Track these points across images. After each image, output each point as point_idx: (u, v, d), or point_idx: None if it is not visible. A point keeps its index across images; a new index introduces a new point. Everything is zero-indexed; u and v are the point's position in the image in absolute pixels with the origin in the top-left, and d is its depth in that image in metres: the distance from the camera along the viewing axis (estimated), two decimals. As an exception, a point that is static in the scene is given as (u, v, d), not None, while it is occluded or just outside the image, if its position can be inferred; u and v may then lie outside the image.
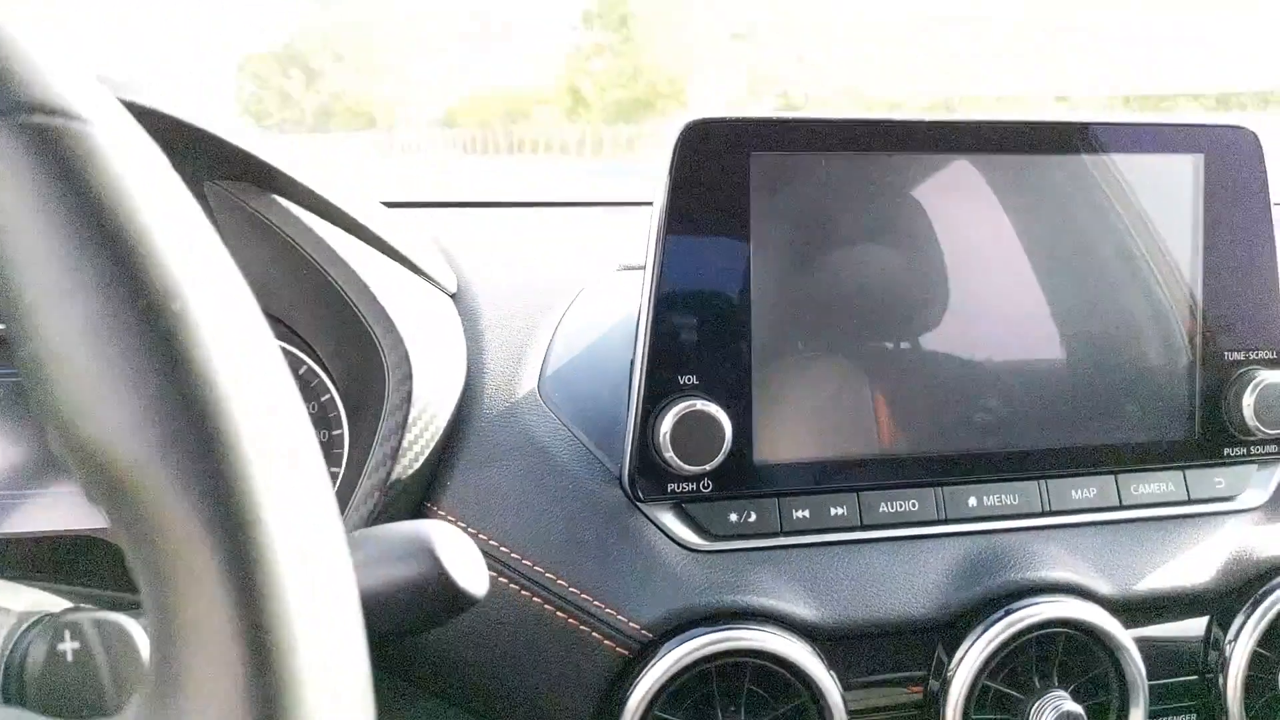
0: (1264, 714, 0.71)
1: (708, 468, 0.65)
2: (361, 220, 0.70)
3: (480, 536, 0.66)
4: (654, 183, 0.67)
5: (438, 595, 0.46)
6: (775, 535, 0.69)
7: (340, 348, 0.75)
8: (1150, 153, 0.73)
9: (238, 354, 0.30)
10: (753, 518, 0.68)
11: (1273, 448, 0.75)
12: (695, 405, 0.64)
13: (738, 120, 0.66)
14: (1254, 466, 0.76)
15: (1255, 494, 0.76)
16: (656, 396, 0.66)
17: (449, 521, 0.66)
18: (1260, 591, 0.71)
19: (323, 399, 0.80)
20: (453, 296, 0.78)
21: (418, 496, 0.68)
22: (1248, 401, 0.73)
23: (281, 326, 0.80)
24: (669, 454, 0.64)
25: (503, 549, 0.65)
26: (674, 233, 0.66)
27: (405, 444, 0.65)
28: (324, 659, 0.30)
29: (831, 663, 0.66)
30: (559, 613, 0.64)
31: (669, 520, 0.68)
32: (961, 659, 0.66)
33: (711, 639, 0.63)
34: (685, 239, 0.66)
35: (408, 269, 0.74)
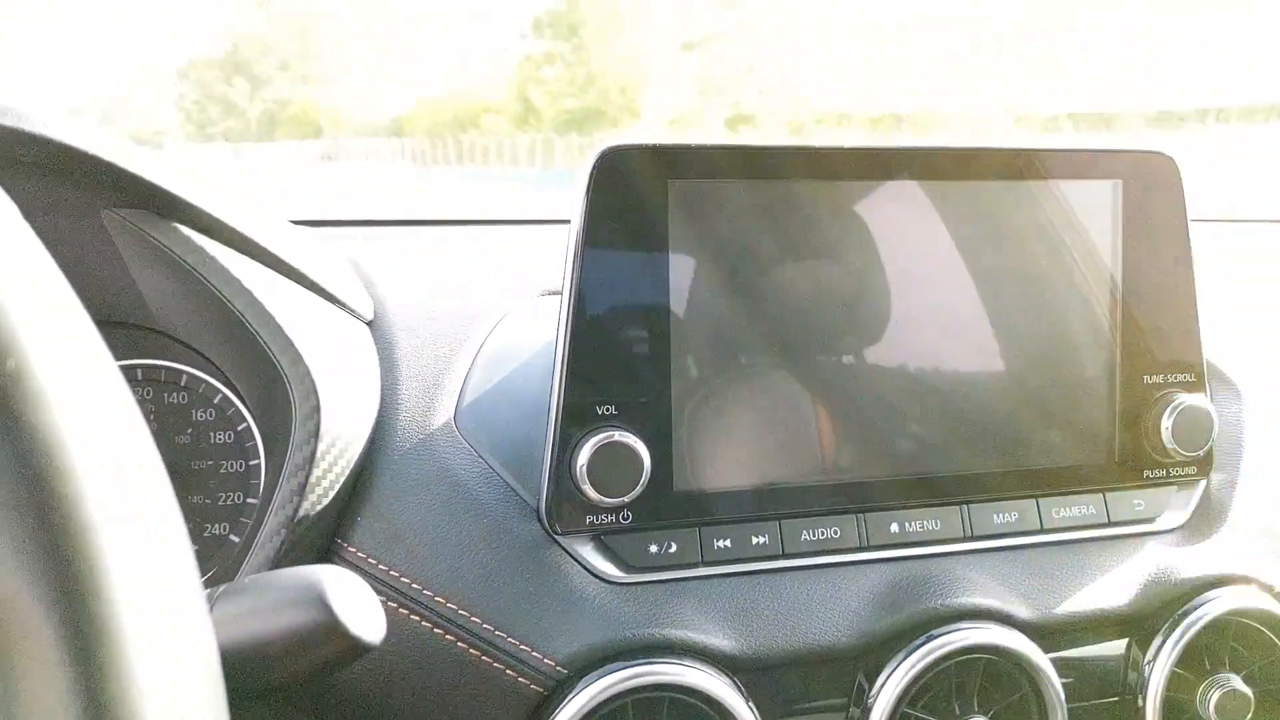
0: (1183, 735, 0.72)
1: (626, 499, 0.64)
2: (270, 247, 0.69)
3: (391, 573, 0.64)
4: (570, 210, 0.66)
5: (329, 643, 0.45)
6: (696, 565, 0.68)
7: (254, 377, 0.73)
8: (1071, 179, 0.73)
9: (82, 411, 0.28)
10: (673, 548, 0.67)
11: (1191, 469, 0.76)
12: (613, 436, 0.64)
13: (655, 147, 0.65)
14: (1173, 488, 0.77)
15: (1174, 515, 0.77)
16: (573, 427, 0.64)
17: (359, 558, 0.65)
18: (1179, 612, 0.71)
19: (239, 428, 0.78)
20: (369, 324, 0.76)
21: (327, 532, 0.66)
22: (1166, 424, 0.73)
23: (196, 355, 0.78)
24: (586, 486, 0.63)
25: (414, 586, 0.64)
26: (590, 261, 0.65)
27: (313, 479, 0.63)
28: None
29: (752, 694, 0.65)
30: (472, 650, 0.63)
31: (587, 553, 0.67)
32: (882, 687, 0.65)
33: (628, 674, 0.61)
34: (602, 267, 0.65)
35: (320, 296, 0.73)
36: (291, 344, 0.65)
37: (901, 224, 0.71)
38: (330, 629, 0.45)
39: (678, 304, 0.66)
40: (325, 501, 0.64)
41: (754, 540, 0.68)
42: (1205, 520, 0.77)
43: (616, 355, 0.65)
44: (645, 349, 0.66)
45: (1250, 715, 0.70)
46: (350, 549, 0.65)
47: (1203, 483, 0.78)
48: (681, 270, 0.66)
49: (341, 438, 0.66)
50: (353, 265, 0.82)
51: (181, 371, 0.77)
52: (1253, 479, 0.78)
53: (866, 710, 0.66)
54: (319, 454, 0.64)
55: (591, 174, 0.64)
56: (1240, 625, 0.72)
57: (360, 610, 0.45)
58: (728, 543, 0.68)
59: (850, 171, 0.69)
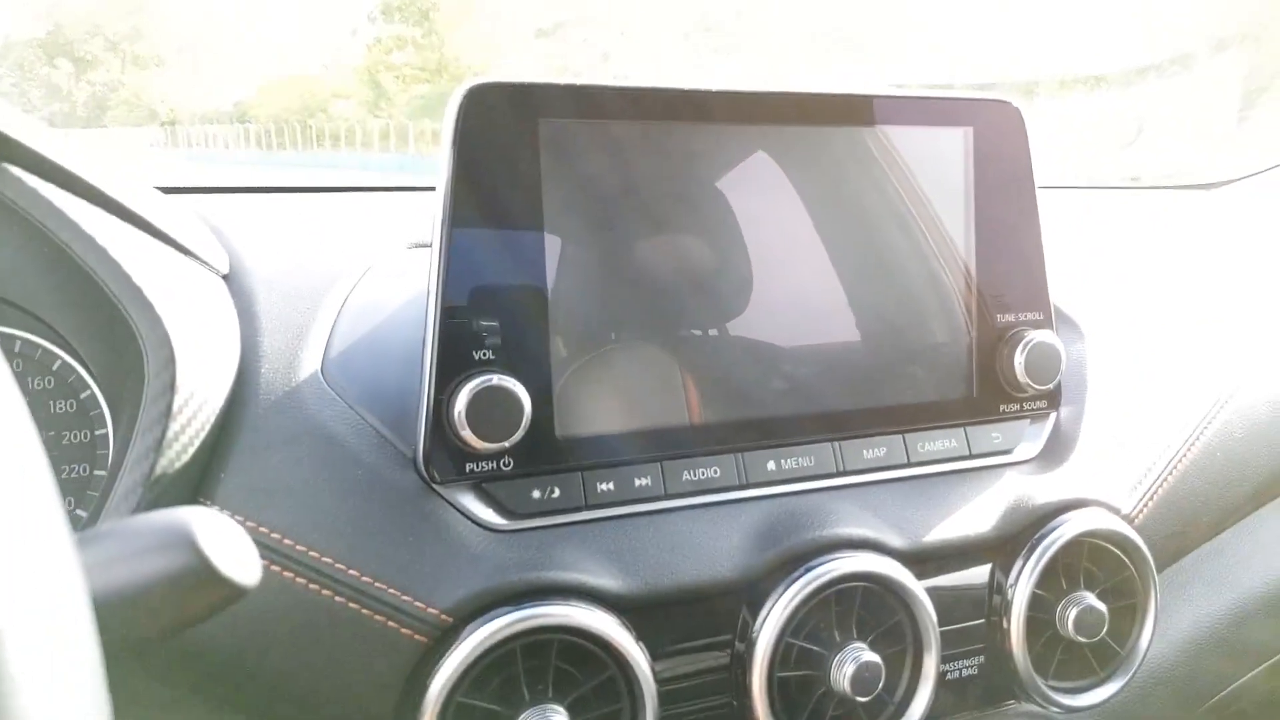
0: (1045, 650, 0.76)
1: (507, 445, 0.63)
2: (112, 193, 0.64)
3: (260, 530, 0.61)
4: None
5: (200, 587, 0.42)
6: (580, 509, 0.67)
7: (98, 337, 0.68)
8: (924, 125, 0.76)
9: None
10: (556, 493, 0.67)
11: (1042, 403, 0.80)
12: (491, 380, 0.62)
13: (524, 85, 0.64)
14: (1027, 421, 0.81)
15: (1029, 446, 0.81)
16: (450, 373, 0.63)
17: (224, 515, 0.61)
18: (1035, 536, 0.75)
19: (82, 396, 0.72)
20: (225, 278, 0.72)
21: (189, 491, 0.62)
22: (1019, 360, 0.77)
23: (30, 318, 0.72)
24: (465, 432, 0.62)
25: (286, 542, 0.61)
26: (461, 202, 0.63)
27: (170, 435, 0.59)
28: (47, 690, 0.26)
29: (640, 634, 0.65)
30: (351, 604, 0.61)
31: (468, 501, 0.65)
32: (765, 619, 0.66)
33: (514, 618, 0.60)
34: (474, 208, 0.63)
35: (171, 247, 0.68)
36: (141, 293, 0.61)
37: (774, 173, 0.72)
38: (201, 571, 0.42)
39: (553, 245, 0.65)
40: (185, 458, 0.61)
41: (637, 482, 0.68)
42: (1057, 450, 0.81)
43: (492, 298, 0.64)
44: (522, 291, 0.65)
45: (1105, 628, 0.74)
46: (214, 506, 0.62)
47: (1053, 415, 0.83)
48: (556, 211, 0.65)
49: (199, 391, 0.62)
50: (204, 220, 0.78)
51: (14, 337, 0.71)
52: (1096, 410, 0.83)
53: (751, 643, 0.66)
54: (175, 408, 0.60)
55: (458, 112, 0.63)
56: (1092, 545, 0.76)
57: (232, 549, 0.43)
58: (611, 485, 0.68)
59: (716, 114, 0.70)
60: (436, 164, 0.64)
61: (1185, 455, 0.84)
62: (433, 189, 0.64)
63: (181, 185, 1.03)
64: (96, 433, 0.72)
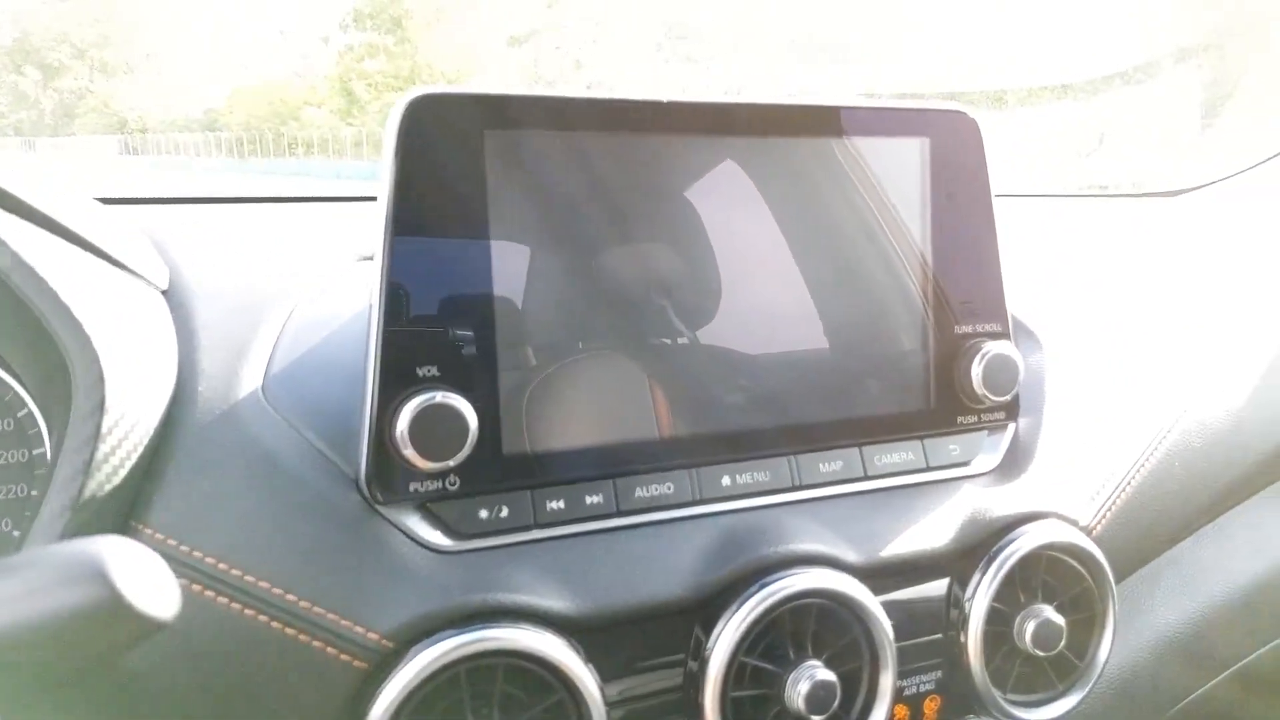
0: (1003, 665, 0.75)
1: (452, 463, 0.62)
2: (40, 206, 0.62)
3: (195, 554, 0.59)
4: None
5: (113, 621, 0.40)
6: (529, 529, 0.66)
7: (32, 355, 0.66)
8: (881, 136, 0.75)
9: None
10: (504, 513, 0.65)
11: (1000, 414, 0.80)
12: (435, 398, 0.61)
13: (468, 95, 0.63)
14: (985, 433, 0.80)
15: (986, 459, 0.80)
16: (392, 390, 0.61)
17: (157, 540, 0.59)
18: (993, 550, 0.74)
19: (19, 414, 0.70)
20: (164, 293, 0.70)
21: (119, 515, 0.60)
22: (976, 372, 0.76)
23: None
24: (409, 451, 0.60)
25: (221, 566, 0.59)
26: (404, 214, 0.61)
27: (99, 456, 0.58)
28: None
29: (590, 655, 0.63)
30: (288, 629, 0.59)
31: (413, 522, 0.64)
32: (718, 637, 0.65)
33: (458, 641, 0.59)
34: (417, 221, 0.62)
35: (105, 261, 0.66)
36: (68, 310, 0.59)
37: (718, 181, 0.72)
38: (112, 605, 0.40)
39: (500, 258, 0.64)
40: (115, 480, 0.59)
41: (588, 500, 0.67)
42: (1014, 462, 0.81)
43: (436, 313, 0.62)
44: (467, 305, 0.63)
45: (1064, 641, 0.74)
46: (147, 530, 0.60)
47: (1011, 426, 0.82)
48: (503, 223, 0.64)
49: (131, 411, 0.60)
50: (145, 233, 0.76)
51: None
52: (1054, 422, 0.83)
53: (704, 662, 0.65)
54: (105, 429, 0.58)
55: (400, 123, 0.61)
56: (1050, 558, 0.76)
57: (146, 581, 0.41)
58: (561, 503, 0.66)
59: (668, 125, 0.69)
60: (378, 175, 0.63)
61: (1143, 466, 0.84)
62: (371, 199, 0.63)
63: (126, 196, 1.01)
64: (34, 452, 0.70)
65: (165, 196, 1.02)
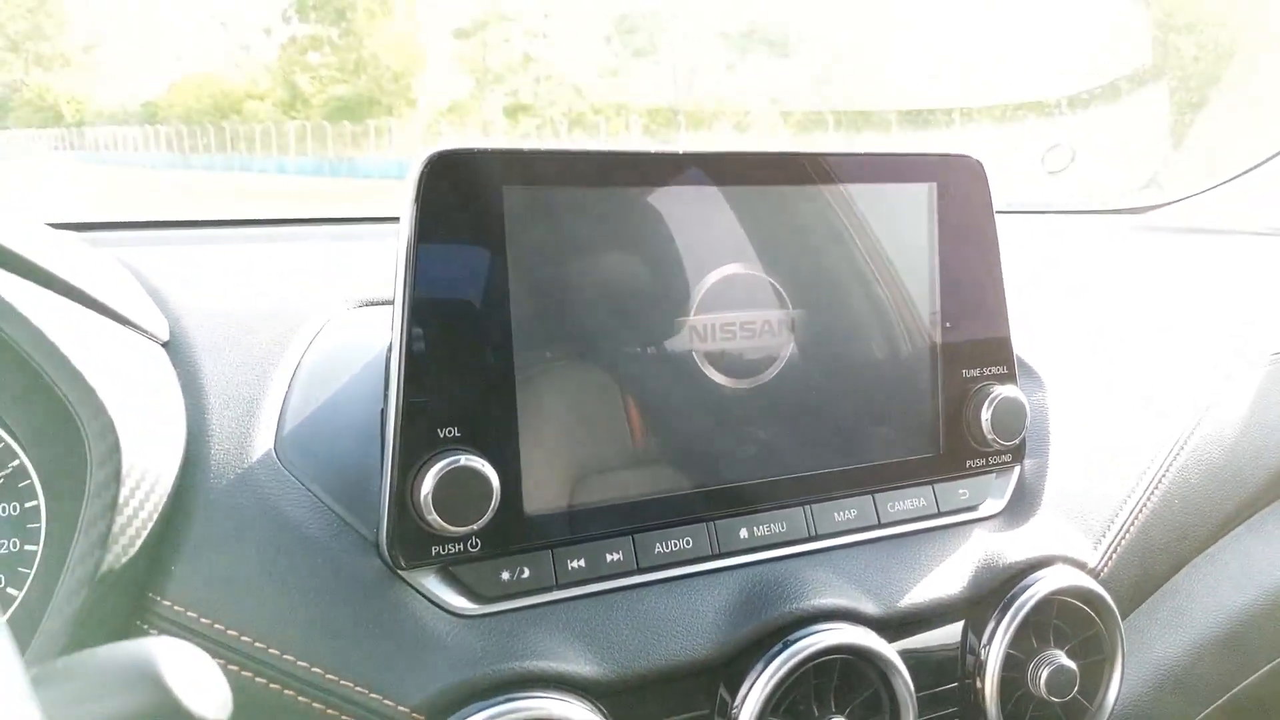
0: (1016, 710, 0.75)
1: (475, 526, 0.60)
2: (37, 260, 0.60)
3: (215, 627, 0.57)
4: (399, 218, 0.61)
5: (168, 725, 0.39)
6: (551, 589, 0.65)
7: (27, 407, 0.63)
8: (886, 182, 0.76)
9: None
10: (526, 573, 0.64)
11: (1007, 457, 0.80)
12: (459, 461, 0.59)
13: (487, 152, 0.62)
14: (992, 476, 0.81)
15: (994, 502, 0.81)
16: (414, 453, 0.60)
17: (175, 612, 0.58)
18: (1008, 597, 0.75)
19: (11, 465, 0.67)
20: (165, 345, 0.68)
21: (137, 586, 0.58)
22: (985, 416, 0.77)
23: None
24: (432, 516, 0.59)
25: (243, 639, 0.57)
26: (425, 275, 0.60)
27: (116, 528, 0.56)
28: None
29: (615, 715, 0.63)
30: (315, 704, 0.57)
31: (434, 586, 0.62)
32: (745, 697, 0.65)
33: (487, 715, 0.58)
34: (437, 282, 0.61)
35: (104, 315, 0.64)
36: (79, 375, 0.57)
37: (733, 231, 0.71)
38: (169, 711, 0.39)
39: (520, 317, 0.63)
40: (132, 552, 0.57)
41: (609, 557, 0.66)
42: (1022, 505, 0.81)
43: (458, 374, 0.61)
44: (488, 366, 0.62)
45: (1077, 688, 0.74)
46: (165, 603, 0.58)
47: (1017, 469, 0.83)
48: (522, 281, 0.63)
49: (146, 479, 0.58)
50: (136, 277, 0.73)
51: None
52: (1060, 463, 0.83)
53: None
54: (121, 500, 0.56)
55: (420, 181, 0.60)
56: (1061, 603, 0.76)
57: (202, 684, 0.40)
58: (582, 562, 0.65)
59: (686, 177, 0.68)
60: (397, 231, 0.61)
61: (1145, 505, 0.85)
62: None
63: (102, 221, 0.97)
64: (27, 505, 0.67)
65: (132, 221, 0.99)
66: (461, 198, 0.61)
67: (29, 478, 0.67)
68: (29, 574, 0.66)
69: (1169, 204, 1.51)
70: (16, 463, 0.67)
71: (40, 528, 0.67)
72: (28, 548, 0.67)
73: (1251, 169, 1.42)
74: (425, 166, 0.60)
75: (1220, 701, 0.94)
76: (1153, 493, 0.85)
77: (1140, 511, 0.84)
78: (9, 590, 0.66)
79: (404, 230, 0.60)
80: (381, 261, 0.83)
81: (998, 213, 0.80)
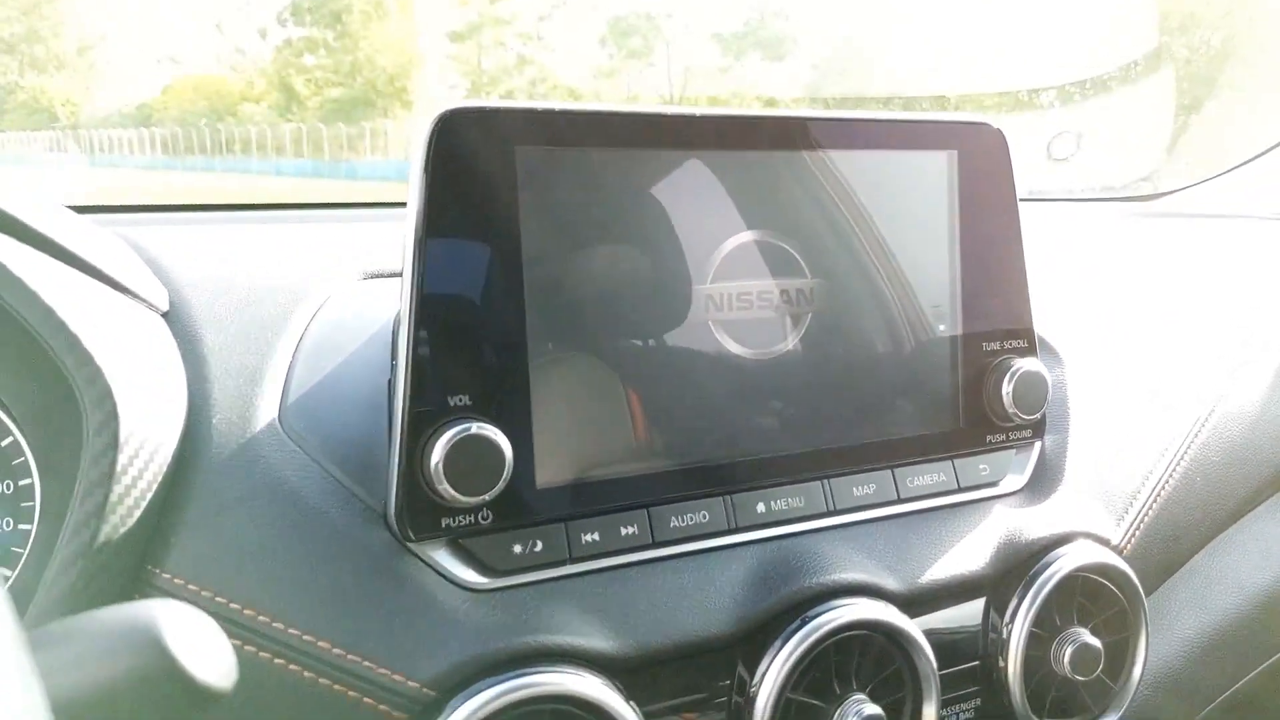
0: (1039, 689, 0.73)
1: (488, 497, 0.58)
2: (35, 225, 0.58)
3: (217, 599, 0.55)
4: (408, 180, 0.59)
5: (170, 693, 0.37)
6: (564, 563, 0.63)
7: (19, 379, 0.61)
8: (907, 149, 0.74)
9: None
10: (539, 547, 0.62)
11: (1027, 432, 0.78)
12: (470, 429, 0.57)
13: (499, 110, 0.60)
14: (1012, 452, 0.79)
15: (1015, 478, 0.79)
16: (423, 421, 0.58)
17: (176, 585, 0.55)
18: (1030, 574, 0.73)
19: (3, 443, 0.65)
20: (164, 315, 0.66)
21: (135, 558, 0.56)
22: (1006, 389, 0.75)
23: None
24: (443, 486, 0.57)
25: (246, 612, 0.55)
26: (435, 235, 0.58)
27: (114, 497, 0.53)
28: None
29: (632, 693, 0.61)
30: (322, 679, 0.55)
31: (445, 559, 0.60)
32: (764, 673, 0.63)
33: (501, 689, 0.56)
34: (448, 242, 0.58)
35: (106, 284, 0.62)
36: (77, 340, 0.55)
37: (750, 196, 0.69)
38: (169, 675, 0.37)
39: (532, 281, 0.61)
40: (130, 522, 0.54)
41: (623, 531, 0.64)
42: (1042, 480, 0.80)
43: (468, 340, 0.59)
44: (500, 331, 0.60)
45: (1101, 667, 0.73)
46: (164, 575, 0.56)
47: (1038, 444, 0.81)
48: (534, 242, 0.61)
49: (145, 448, 0.56)
50: (136, 250, 0.71)
51: None
52: (1080, 440, 0.82)
53: (750, 699, 0.63)
54: (119, 468, 0.54)
55: (430, 139, 0.58)
56: (1085, 580, 0.74)
57: (204, 648, 0.38)
58: (596, 535, 0.63)
59: (703, 140, 0.66)
60: (407, 193, 0.59)
61: (1168, 482, 0.83)
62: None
63: (104, 205, 0.95)
64: (20, 483, 0.65)
65: (145, 205, 0.97)
66: (473, 157, 0.59)
67: (23, 454, 0.65)
68: (23, 553, 0.64)
69: (1177, 190, 1.49)
70: (9, 440, 0.65)
71: (35, 505, 0.65)
72: (21, 526, 0.65)
73: (1261, 155, 1.41)
74: (436, 124, 0.58)
75: (1237, 686, 0.92)
76: (1174, 470, 0.84)
77: (1163, 488, 0.82)
78: (2, 570, 0.64)
79: (413, 192, 0.58)
80: (386, 240, 0.81)
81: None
